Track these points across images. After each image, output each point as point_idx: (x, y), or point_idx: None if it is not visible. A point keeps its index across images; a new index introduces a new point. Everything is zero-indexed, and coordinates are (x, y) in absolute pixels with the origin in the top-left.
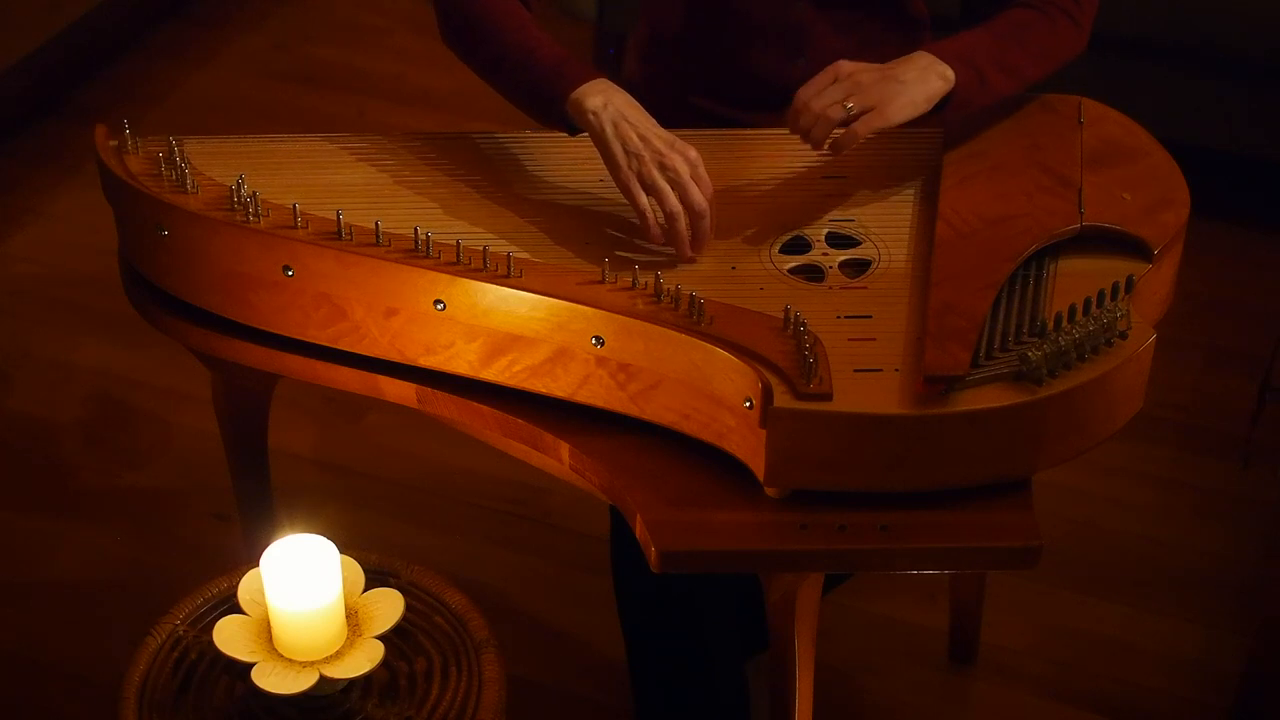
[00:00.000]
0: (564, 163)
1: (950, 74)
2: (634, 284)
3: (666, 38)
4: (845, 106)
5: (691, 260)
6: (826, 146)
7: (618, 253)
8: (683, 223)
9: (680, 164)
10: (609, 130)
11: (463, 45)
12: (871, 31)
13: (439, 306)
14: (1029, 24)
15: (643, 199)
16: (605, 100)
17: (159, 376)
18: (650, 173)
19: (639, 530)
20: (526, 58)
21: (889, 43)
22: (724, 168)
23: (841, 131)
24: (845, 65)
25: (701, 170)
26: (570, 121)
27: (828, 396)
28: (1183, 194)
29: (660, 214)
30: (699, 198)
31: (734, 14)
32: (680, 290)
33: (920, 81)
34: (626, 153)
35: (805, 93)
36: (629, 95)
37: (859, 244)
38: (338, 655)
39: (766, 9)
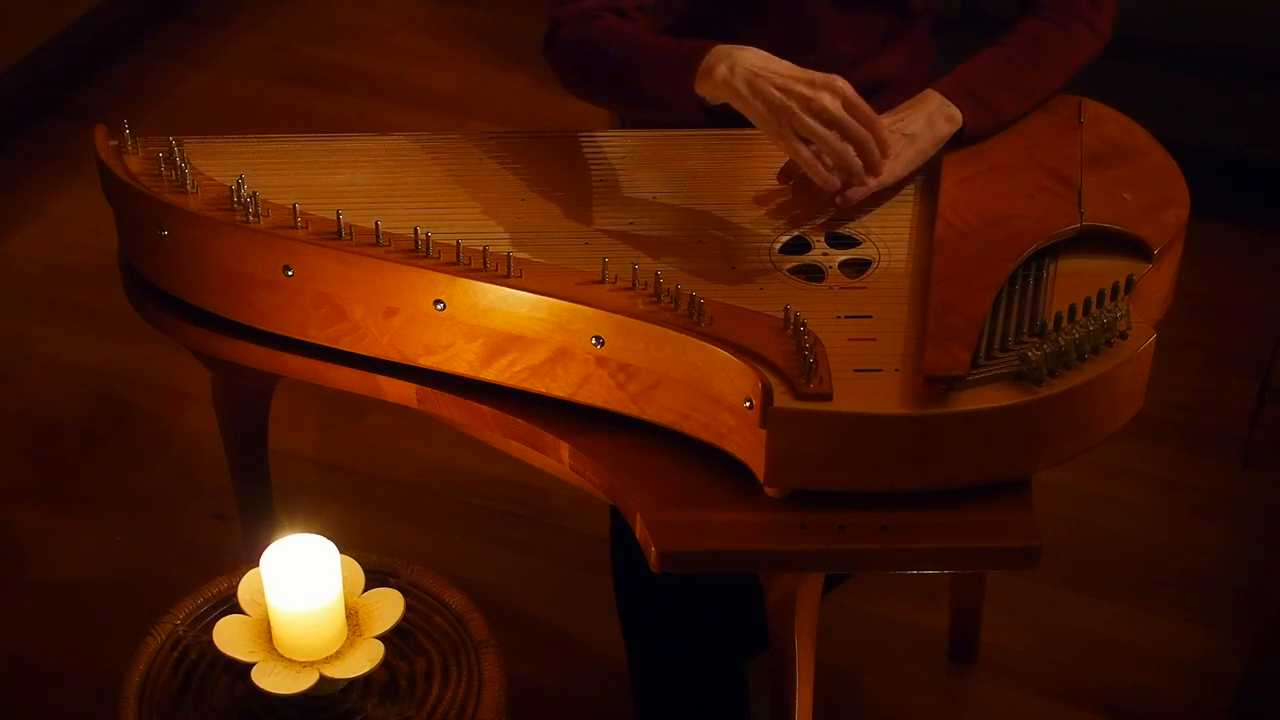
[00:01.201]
0: (564, 162)
1: (958, 115)
2: (634, 284)
3: (675, 30)
4: None
5: (870, 189)
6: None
7: (618, 252)
8: (851, 158)
9: (829, 100)
10: (745, 91)
11: (581, 77)
12: (879, 30)
13: (439, 306)
14: (1043, 39)
15: (803, 151)
16: (730, 64)
17: (159, 376)
18: (803, 121)
19: (639, 530)
20: (640, 61)
21: (895, 39)
22: (724, 167)
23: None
24: None
25: (852, 94)
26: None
27: (828, 396)
28: (1183, 194)
29: (827, 159)
30: (858, 129)
31: (745, 4)
32: (680, 290)
33: (928, 131)
34: (771, 110)
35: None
36: (751, 48)
37: (859, 244)
38: (338, 655)
39: (780, 1)
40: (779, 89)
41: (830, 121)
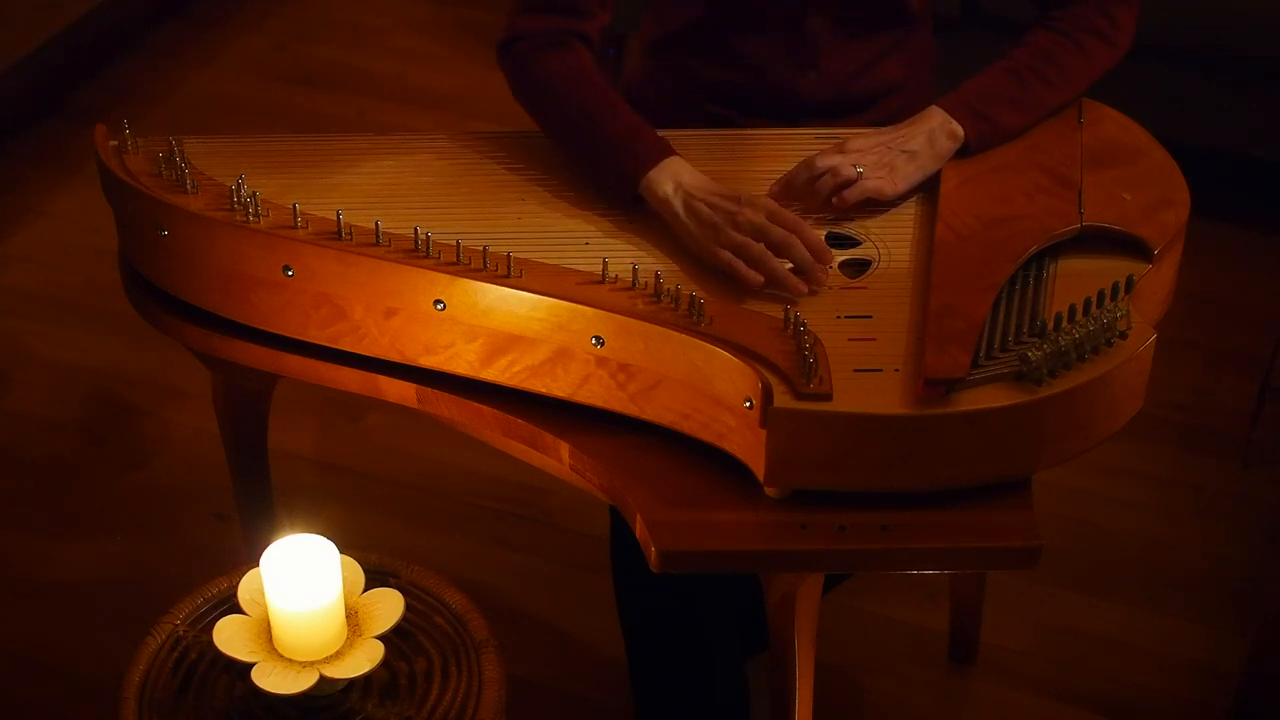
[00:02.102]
0: (564, 162)
1: (960, 131)
2: (634, 284)
3: (675, 36)
4: (855, 168)
5: (813, 293)
6: (824, 203)
7: (618, 252)
8: (773, 263)
9: (752, 214)
10: (681, 211)
11: (528, 105)
12: (880, 42)
13: (439, 306)
14: (1052, 54)
15: (725, 256)
16: (675, 185)
17: (159, 376)
18: (727, 234)
19: (639, 530)
20: (593, 138)
21: (895, 47)
22: (724, 168)
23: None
24: (854, 141)
25: (775, 208)
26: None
27: (828, 397)
28: (1183, 194)
29: (750, 265)
30: (780, 233)
31: (747, 16)
32: (680, 290)
33: (929, 148)
34: (700, 225)
35: (810, 158)
36: (690, 167)
37: (859, 244)
38: (338, 655)
39: (781, 15)
40: (709, 206)
41: (752, 230)
